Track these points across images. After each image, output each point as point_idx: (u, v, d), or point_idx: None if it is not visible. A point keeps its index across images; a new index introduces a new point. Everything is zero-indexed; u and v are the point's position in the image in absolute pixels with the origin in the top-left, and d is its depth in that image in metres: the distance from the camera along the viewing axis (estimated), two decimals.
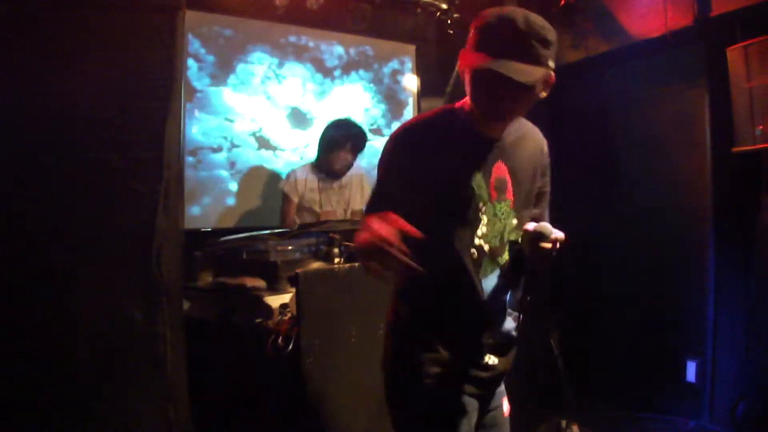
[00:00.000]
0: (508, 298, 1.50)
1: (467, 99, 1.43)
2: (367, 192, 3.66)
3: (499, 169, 1.46)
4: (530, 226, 1.43)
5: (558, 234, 1.40)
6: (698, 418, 3.15)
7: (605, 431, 3.16)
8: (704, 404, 3.14)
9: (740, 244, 2.99)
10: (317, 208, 3.42)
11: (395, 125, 4.36)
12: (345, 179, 3.50)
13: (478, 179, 1.42)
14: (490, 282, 1.45)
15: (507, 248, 1.48)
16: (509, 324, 1.51)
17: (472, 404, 1.47)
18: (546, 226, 1.41)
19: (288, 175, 3.49)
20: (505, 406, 1.62)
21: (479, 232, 1.43)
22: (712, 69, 2.99)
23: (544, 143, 1.58)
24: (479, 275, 1.44)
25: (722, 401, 3.05)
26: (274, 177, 3.83)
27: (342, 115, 3.67)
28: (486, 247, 1.44)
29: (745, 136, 2.76)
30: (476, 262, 1.43)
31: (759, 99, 2.68)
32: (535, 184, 1.55)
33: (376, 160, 1.52)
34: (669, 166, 3.39)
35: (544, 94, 1.41)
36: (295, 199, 3.40)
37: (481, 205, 1.42)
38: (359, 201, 3.58)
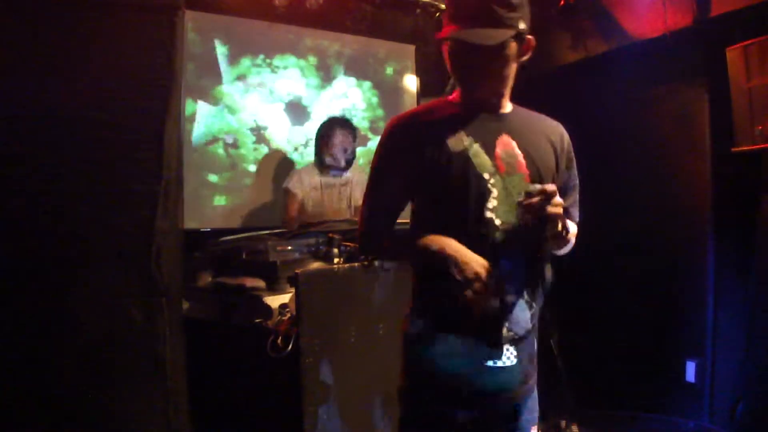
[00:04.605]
0: (521, 279, 1.42)
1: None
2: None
3: (505, 143, 1.42)
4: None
5: (547, 186, 1.31)
6: (698, 418, 3.14)
7: (605, 431, 3.16)
8: (704, 404, 3.14)
9: (740, 244, 2.98)
10: (320, 207, 3.44)
11: None
12: (346, 177, 3.53)
13: (474, 148, 1.39)
14: (506, 255, 1.39)
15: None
16: (524, 311, 1.42)
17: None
18: (534, 185, 1.33)
19: (291, 174, 3.54)
20: None
21: (489, 205, 1.38)
22: (712, 69, 2.99)
23: (562, 131, 1.54)
24: (493, 248, 1.37)
25: (722, 401, 3.04)
26: (273, 176, 3.83)
27: (340, 116, 3.76)
28: (498, 222, 1.39)
29: (744, 136, 2.76)
30: (487, 236, 1.37)
31: (758, 99, 2.67)
32: (555, 166, 1.49)
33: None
34: (669, 165, 3.39)
35: (524, 58, 1.43)
36: (299, 195, 3.42)
37: (487, 176, 1.39)
38: (360, 198, 3.59)
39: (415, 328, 1.47)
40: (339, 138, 3.45)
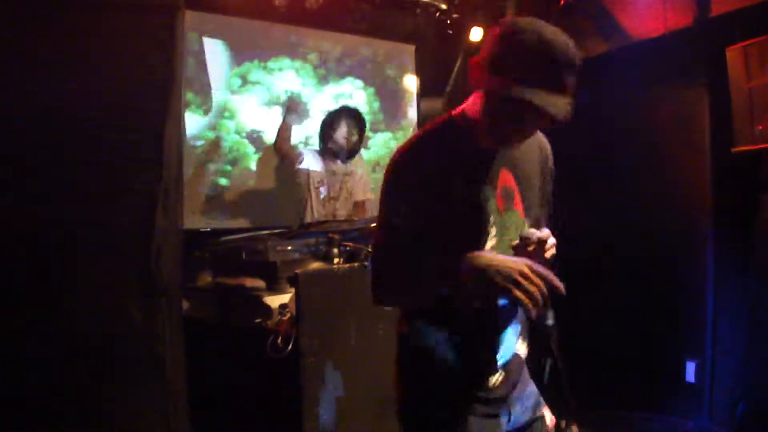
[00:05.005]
0: (518, 317, 1.43)
1: (469, 108, 1.34)
2: (368, 186, 3.72)
3: (505, 178, 1.37)
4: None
5: (542, 233, 1.29)
6: (698, 418, 3.15)
7: (605, 431, 3.16)
8: (704, 404, 3.15)
9: (740, 244, 2.99)
10: (322, 190, 3.52)
11: (395, 125, 4.36)
12: (350, 168, 3.58)
13: (486, 191, 1.34)
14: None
15: None
16: (520, 347, 1.47)
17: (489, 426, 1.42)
18: (529, 231, 1.30)
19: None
20: (548, 419, 1.56)
21: (488, 246, 1.34)
22: (712, 69, 2.99)
23: (548, 147, 1.51)
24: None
25: (722, 401, 3.05)
26: (273, 176, 3.83)
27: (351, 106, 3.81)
28: None
29: (744, 136, 2.76)
30: None
31: (758, 99, 2.68)
32: (543, 189, 1.48)
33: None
34: (669, 166, 3.39)
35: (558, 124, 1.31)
36: (293, 124, 3.60)
37: (491, 218, 1.34)
38: (360, 194, 3.64)
39: (414, 329, 1.45)
40: (344, 126, 3.49)
